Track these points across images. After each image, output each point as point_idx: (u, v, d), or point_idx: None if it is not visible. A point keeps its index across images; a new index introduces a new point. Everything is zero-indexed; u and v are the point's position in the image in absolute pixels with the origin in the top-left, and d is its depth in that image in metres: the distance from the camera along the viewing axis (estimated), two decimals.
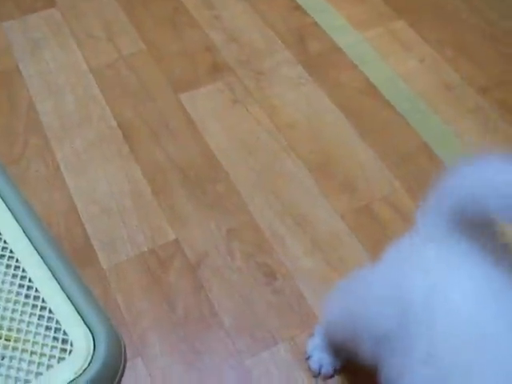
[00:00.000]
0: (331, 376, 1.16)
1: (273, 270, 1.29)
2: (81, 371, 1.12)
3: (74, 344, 1.15)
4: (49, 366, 1.12)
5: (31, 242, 1.23)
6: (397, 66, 1.68)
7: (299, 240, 1.33)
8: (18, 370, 1.11)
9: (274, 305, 1.25)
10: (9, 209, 1.28)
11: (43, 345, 1.14)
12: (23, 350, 1.13)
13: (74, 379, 1.10)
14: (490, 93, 1.62)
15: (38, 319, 1.16)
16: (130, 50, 1.69)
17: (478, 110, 1.58)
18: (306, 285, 1.27)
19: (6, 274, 1.20)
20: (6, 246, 1.23)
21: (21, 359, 1.12)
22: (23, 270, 1.20)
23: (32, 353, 1.13)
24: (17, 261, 1.21)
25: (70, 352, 1.14)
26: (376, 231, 1.35)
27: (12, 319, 1.16)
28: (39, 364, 1.12)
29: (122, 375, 1.18)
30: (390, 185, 1.42)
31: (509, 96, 1.61)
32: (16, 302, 1.17)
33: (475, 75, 1.66)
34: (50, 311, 1.17)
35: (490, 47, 1.73)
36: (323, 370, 1.16)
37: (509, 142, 1.50)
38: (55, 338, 1.15)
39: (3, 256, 1.21)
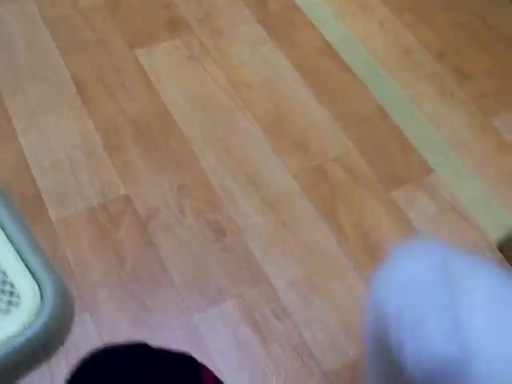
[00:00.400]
0: None
1: (223, 227, 1.29)
2: (27, 324, 1.11)
3: (21, 297, 1.13)
4: None
5: None
6: (356, 28, 1.67)
7: (250, 198, 1.33)
8: None
9: (224, 262, 1.25)
10: None
11: None
12: None
13: (20, 332, 1.09)
14: (446, 59, 1.62)
15: None
16: (87, 2, 1.66)
17: (435, 75, 1.59)
18: (256, 243, 1.28)
19: None
20: None
21: None
22: None
23: None
24: None
25: (18, 305, 1.13)
26: (328, 192, 1.36)
27: None
28: None
29: (69, 329, 1.18)
30: (344, 146, 1.43)
31: (464, 63, 1.62)
32: None
33: (432, 41, 1.66)
34: None
35: (448, 15, 1.73)
36: None
37: (463, 108, 1.52)
38: (1, 291, 1.14)
39: None
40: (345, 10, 1.72)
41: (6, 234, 1.18)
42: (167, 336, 1.18)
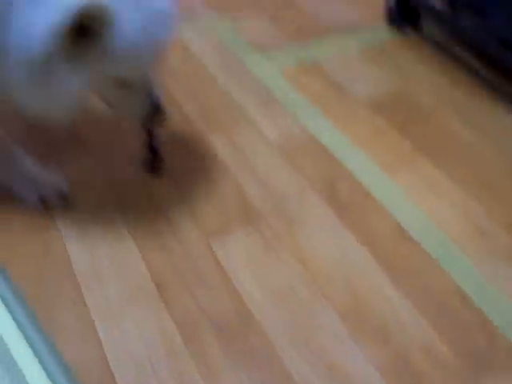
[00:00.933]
0: None
1: None
2: None
3: None
4: None
5: None
6: (427, 207, 1.69)
7: None
8: None
9: None
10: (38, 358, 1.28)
11: None
12: None
13: None
14: None
15: None
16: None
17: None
18: None
19: None
20: None
21: None
22: None
23: None
24: None
25: None
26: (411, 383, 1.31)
27: None
28: None
29: None
30: (425, 334, 1.39)
31: None
32: None
33: (506, 216, 1.66)
34: None
35: None
36: None
37: None
38: None
39: None
40: (415, 190, 1.74)
41: None
42: None
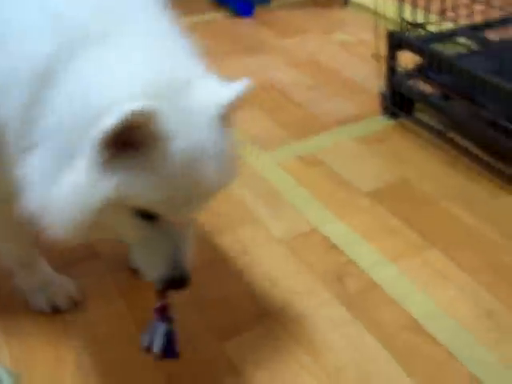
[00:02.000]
0: None
1: None
2: None
3: None
4: None
5: None
6: (437, 297, 1.70)
7: None
8: None
9: None
10: None
11: None
12: None
13: None
14: None
15: None
16: None
17: None
18: None
19: None
20: None
21: None
22: None
23: None
24: None
25: None
26: None
27: None
28: None
29: None
30: None
31: None
32: None
33: None
34: None
35: None
36: None
37: None
38: None
39: None
40: (423, 279, 1.75)
41: None
42: None
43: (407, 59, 2.47)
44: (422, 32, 2.46)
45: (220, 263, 1.85)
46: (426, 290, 1.72)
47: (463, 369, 1.50)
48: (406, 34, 2.44)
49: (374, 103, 2.60)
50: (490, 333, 1.59)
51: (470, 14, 2.51)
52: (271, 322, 1.65)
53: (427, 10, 2.44)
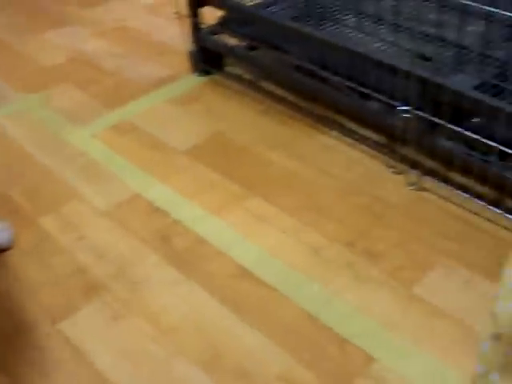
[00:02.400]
0: None
1: None
2: None
3: None
4: None
5: None
6: (262, 243, 1.75)
7: None
8: None
9: None
10: None
11: None
12: None
13: None
14: (356, 246, 1.70)
15: None
16: None
17: (349, 264, 1.65)
18: None
19: None
20: None
21: None
22: None
23: None
24: None
25: None
26: None
27: None
28: None
29: None
30: (282, 360, 1.44)
31: (372, 245, 1.70)
32: None
33: (338, 232, 1.75)
34: None
35: (344, 201, 1.84)
36: None
37: (382, 290, 1.57)
38: None
39: None
40: (247, 228, 1.79)
41: None
42: None
43: (212, 15, 2.48)
44: None
45: (46, 244, 1.80)
46: (251, 237, 1.77)
47: (296, 306, 1.56)
48: None
49: (186, 63, 2.60)
50: (318, 268, 1.66)
51: None
52: (105, 293, 1.63)
53: None
